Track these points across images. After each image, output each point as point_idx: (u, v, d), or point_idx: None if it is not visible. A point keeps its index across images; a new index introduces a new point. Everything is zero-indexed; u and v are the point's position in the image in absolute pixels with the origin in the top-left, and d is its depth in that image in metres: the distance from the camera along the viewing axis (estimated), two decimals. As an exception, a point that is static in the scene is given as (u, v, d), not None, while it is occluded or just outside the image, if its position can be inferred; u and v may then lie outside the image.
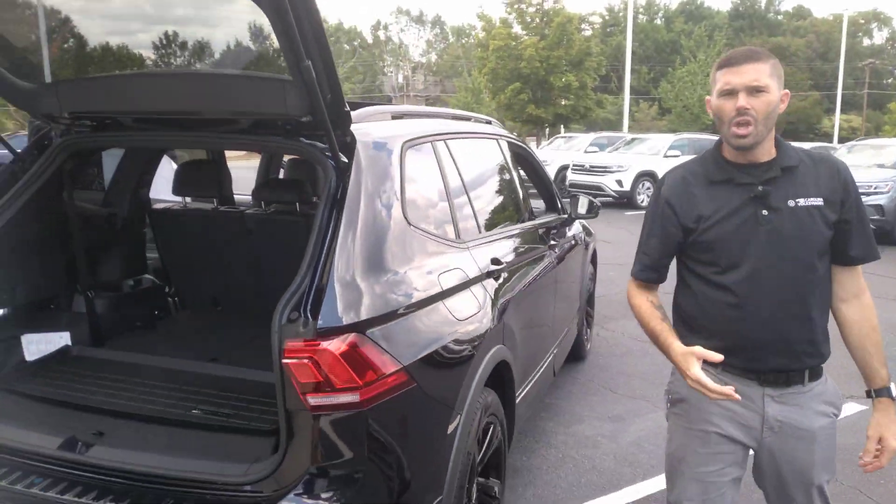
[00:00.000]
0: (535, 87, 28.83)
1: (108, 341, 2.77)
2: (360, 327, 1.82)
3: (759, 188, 1.73)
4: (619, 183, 16.01)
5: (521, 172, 3.88)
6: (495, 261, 2.77)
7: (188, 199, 3.09)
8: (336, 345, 1.75)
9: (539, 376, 3.37)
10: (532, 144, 23.60)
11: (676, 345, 1.74)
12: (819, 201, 1.74)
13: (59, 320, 2.66)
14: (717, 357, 1.64)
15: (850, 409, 4.38)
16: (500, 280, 2.79)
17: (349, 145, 2.11)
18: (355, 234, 1.96)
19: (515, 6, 29.67)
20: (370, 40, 78.06)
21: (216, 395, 2.31)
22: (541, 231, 3.66)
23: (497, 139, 3.53)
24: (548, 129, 32.30)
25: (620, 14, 53.68)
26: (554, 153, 19.60)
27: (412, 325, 2.02)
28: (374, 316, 1.88)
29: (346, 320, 1.80)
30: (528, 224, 3.50)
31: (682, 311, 1.91)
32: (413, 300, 2.05)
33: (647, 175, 16.14)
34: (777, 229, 1.72)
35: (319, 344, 1.73)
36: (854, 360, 1.88)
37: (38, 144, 2.49)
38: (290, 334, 1.75)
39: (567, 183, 17.24)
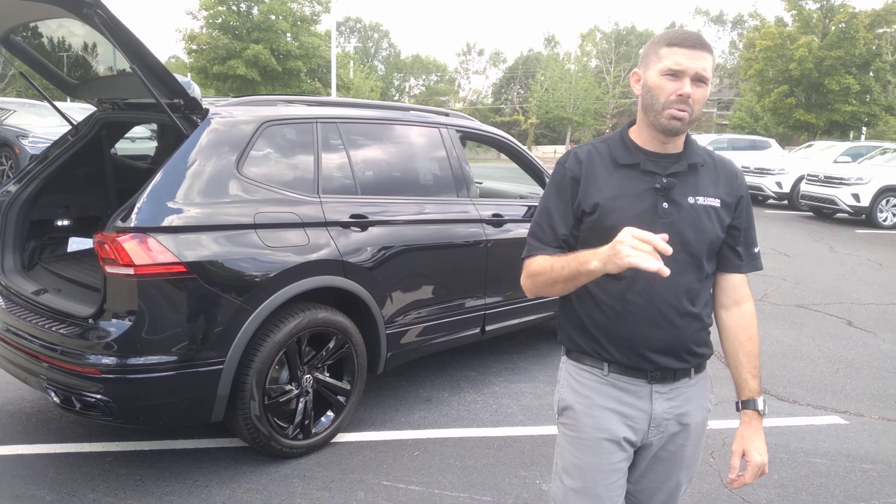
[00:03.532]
0: (808, 90, 26.23)
1: None
2: (148, 231, 2.88)
3: (664, 179, 1.65)
4: (856, 197, 14.43)
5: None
6: (357, 216, 3.60)
7: None
8: (123, 238, 2.83)
9: (435, 323, 4.04)
10: (783, 150, 21.71)
11: (601, 248, 1.49)
12: (717, 202, 1.69)
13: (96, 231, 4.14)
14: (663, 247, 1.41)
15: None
16: (365, 231, 3.61)
17: (201, 118, 3.18)
18: (172, 175, 3.03)
19: (795, 2, 27.23)
20: (663, 42, 75.86)
21: None
22: (476, 208, 4.28)
23: (439, 128, 4.26)
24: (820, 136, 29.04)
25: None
26: (799, 162, 17.98)
27: (201, 237, 3.01)
28: (165, 225, 2.92)
29: (138, 225, 2.87)
30: (449, 198, 4.17)
31: (571, 305, 1.76)
32: (210, 223, 3.04)
33: (893, 191, 14.30)
34: (674, 224, 1.63)
35: (112, 236, 2.84)
36: (728, 367, 1.82)
37: (87, 119, 3.98)
38: (107, 230, 2.88)
39: (800, 195, 16.05)
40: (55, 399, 2.98)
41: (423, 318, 3.97)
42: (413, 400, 4.26)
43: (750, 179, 17.73)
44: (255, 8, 30.87)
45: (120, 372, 2.86)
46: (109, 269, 2.86)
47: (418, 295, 3.94)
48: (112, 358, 2.86)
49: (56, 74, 3.79)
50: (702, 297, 1.72)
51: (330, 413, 3.58)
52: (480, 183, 5.75)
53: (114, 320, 2.89)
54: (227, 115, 3.29)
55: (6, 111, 14.57)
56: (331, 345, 3.49)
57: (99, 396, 2.86)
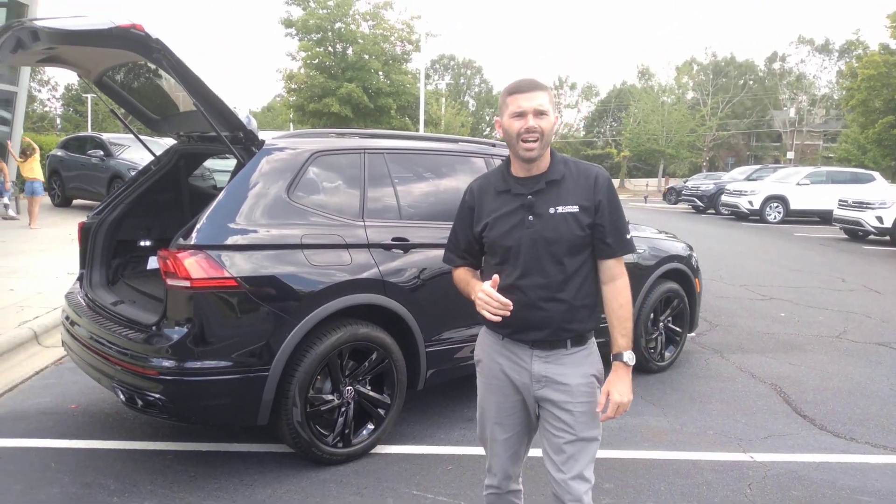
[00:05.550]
0: (917, 120, 24.76)
1: None
2: (205, 248, 3.22)
3: (528, 197, 2.15)
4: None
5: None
6: (399, 239, 3.84)
7: None
8: (182, 255, 3.18)
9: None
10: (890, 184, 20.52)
11: (477, 284, 2.17)
12: (574, 209, 2.14)
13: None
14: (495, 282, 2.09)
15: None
16: (407, 253, 3.85)
17: (257, 148, 3.53)
18: (230, 199, 3.37)
19: (902, 28, 25.89)
20: (766, 72, 73.39)
21: None
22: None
23: (485, 157, 4.47)
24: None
25: None
26: (897, 194, 16.99)
27: (253, 255, 3.32)
28: (220, 244, 3.25)
29: (197, 243, 3.21)
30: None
31: None
32: (261, 242, 3.35)
33: None
34: (538, 231, 2.13)
35: (173, 252, 3.20)
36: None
37: (167, 150, 4.45)
38: (170, 247, 3.25)
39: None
40: (121, 397, 3.34)
41: (464, 339, 4.14)
42: (456, 418, 4.41)
43: (849, 214, 16.92)
44: (350, 49, 32.36)
45: (176, 374, 3.19)
46: (170, 282, 3.21)
47: (459, 316, 4.11)
48: (169, 361, 3.19)
49: (141, 111, 4.28)
50: (570, 287, 2.17)
51: (370, 425, 3.78)
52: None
53: (172, 328, 3.24)
54: (282, 145, 3.63)
55: (121, 146, 16.00)
56: (372, 358, 3.72)
57: (157, 396, 3.20)
